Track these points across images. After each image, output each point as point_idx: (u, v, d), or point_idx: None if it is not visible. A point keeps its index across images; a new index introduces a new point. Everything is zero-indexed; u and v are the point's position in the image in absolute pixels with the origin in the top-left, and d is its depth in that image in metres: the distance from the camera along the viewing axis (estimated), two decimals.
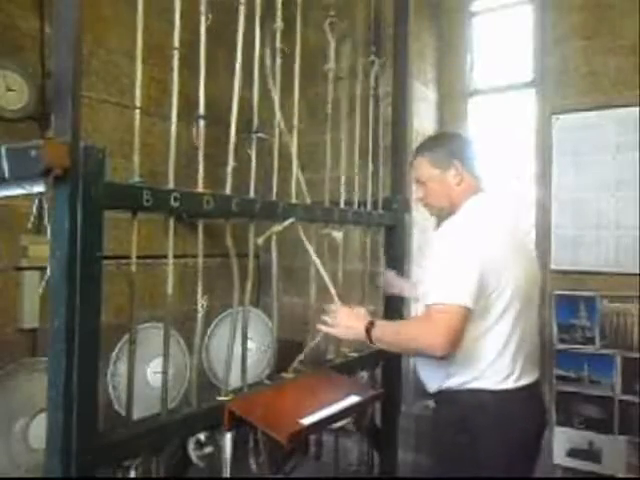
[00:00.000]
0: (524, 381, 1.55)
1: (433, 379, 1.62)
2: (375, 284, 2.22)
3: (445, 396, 1.60)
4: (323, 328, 1.67)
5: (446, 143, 1.72)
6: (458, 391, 1.55)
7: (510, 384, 1.52)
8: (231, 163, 1.55)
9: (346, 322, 1.62)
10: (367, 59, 2.20)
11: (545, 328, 2.68)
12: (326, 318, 1.66)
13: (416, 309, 1.87)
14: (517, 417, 1.52)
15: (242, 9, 1.56)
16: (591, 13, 2.67)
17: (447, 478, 1.60)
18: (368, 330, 1.55)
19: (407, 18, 2.30)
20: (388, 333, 1.55)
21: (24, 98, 2.21)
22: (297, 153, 1.82)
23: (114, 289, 1.44)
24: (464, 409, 1.54)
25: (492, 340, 1.51)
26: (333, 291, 1.81)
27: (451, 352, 1.40)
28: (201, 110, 1.49)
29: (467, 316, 1.42)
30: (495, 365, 1.51)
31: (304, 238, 1.80)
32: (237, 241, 1.58)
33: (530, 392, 1.57)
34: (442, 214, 1.70)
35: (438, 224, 1.74)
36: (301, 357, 1.84)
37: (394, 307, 2.22)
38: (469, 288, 1.43)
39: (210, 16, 1.47)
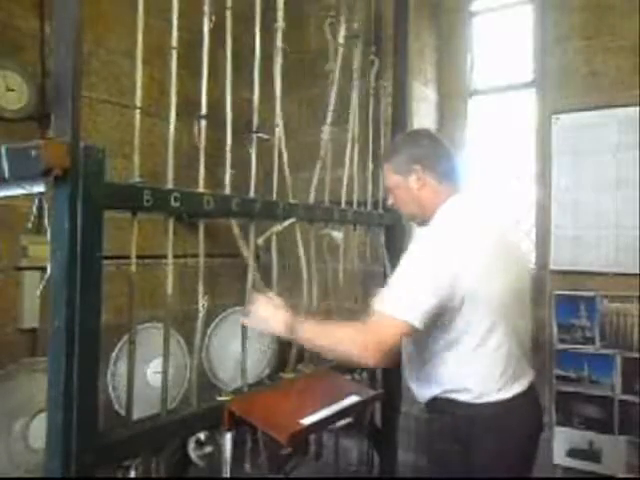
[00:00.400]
0: (517, 389, 1.50)
1: (422, 392, 1.58)
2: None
3: (437, 406, 1.55)
4: (244, 321, 1.58)
5: (407, 147, 1.63)
6: (449, 401, 1.50)
7: (503, 395, 1.47)
8: (229, 163, 1.55)
9: (262, 313, 1.51)
10: (367, 59, 2.20)
11: (545, 328, 2.68)
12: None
13: None
14: (512, 426, 1.47)
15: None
16: (591, 13, 2.67)
17: (447, 478, 1.60)
18: (292, 327, 1.45)
19: (407, 18, 2.30)
20: (316, 333, 1.46)
21: (24, 98, 2.21)
22: (298, 154, 1.82)
23: (114, 289, 1.43)
24: (456, 421, 1.49)
25: (481, 354, 1.45)
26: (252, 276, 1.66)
27: (376, 366, 1.39)
28: (203, 110, 1.49)
29: (409, 333, 1.36)
30: (478, 381, 1.46)
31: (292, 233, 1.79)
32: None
33: (524, 399, 1.52)
34: (416, 221, 1.66)
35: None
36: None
37: None
38: (423, 307, 1.35)
39: (214, 18, 1.47)
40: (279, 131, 1.75)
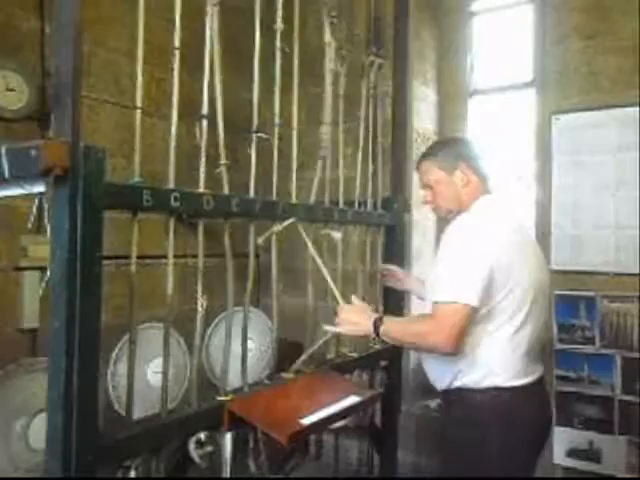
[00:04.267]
0: (531, 377, 1.58)
1: (442, 378, 1.64)
2: (378, 272, 2.19)
3: (455, 395, 1.61)
4: (330, 329, 1.69)
5: (451, 146, 1.76)
6: (468, 389, 1.56)
7: (520, 381, 1.55)
8: (223, 162, 1.55)
9: (351, 319, 1.65)
10: (367, 59, 2.20)
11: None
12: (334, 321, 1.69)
13: (419, 306, 1.89)
14: (527, 413, 1.55)
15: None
16: (591, 13, 2.67)
17: (448, 478, 1.60)
18: (376, 325, 1.58)
19: (407, 18, 2.30)
20: (395, 329, 1.59)
21: (24, 98, 2.21)
22: (296, 153, 1.82)
23: (114, 289, 1.43)
24: (475, 407, 1.55)
25: (503, 338, 1.53)
26: (334, 288, 1.79)
27: (454, 350, 1.45)
28: (204, 110, 1.49)
29: (471, 315, 1.46)
30: (505, 363, 1.54)
31: (305, 236, 1.79)
32: (237, 241, 1.58)
33: (537, 387, 1.61)
34: (450, 216, 1.71)
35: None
36: (304, 357, 1.82)
37: (394, 305, 2.22)
38: (476, 286, 1.46)
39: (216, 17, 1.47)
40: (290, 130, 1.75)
